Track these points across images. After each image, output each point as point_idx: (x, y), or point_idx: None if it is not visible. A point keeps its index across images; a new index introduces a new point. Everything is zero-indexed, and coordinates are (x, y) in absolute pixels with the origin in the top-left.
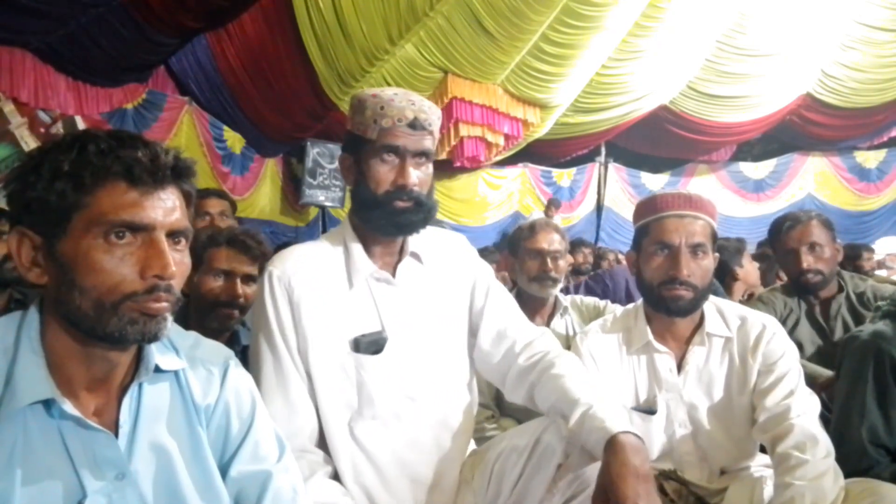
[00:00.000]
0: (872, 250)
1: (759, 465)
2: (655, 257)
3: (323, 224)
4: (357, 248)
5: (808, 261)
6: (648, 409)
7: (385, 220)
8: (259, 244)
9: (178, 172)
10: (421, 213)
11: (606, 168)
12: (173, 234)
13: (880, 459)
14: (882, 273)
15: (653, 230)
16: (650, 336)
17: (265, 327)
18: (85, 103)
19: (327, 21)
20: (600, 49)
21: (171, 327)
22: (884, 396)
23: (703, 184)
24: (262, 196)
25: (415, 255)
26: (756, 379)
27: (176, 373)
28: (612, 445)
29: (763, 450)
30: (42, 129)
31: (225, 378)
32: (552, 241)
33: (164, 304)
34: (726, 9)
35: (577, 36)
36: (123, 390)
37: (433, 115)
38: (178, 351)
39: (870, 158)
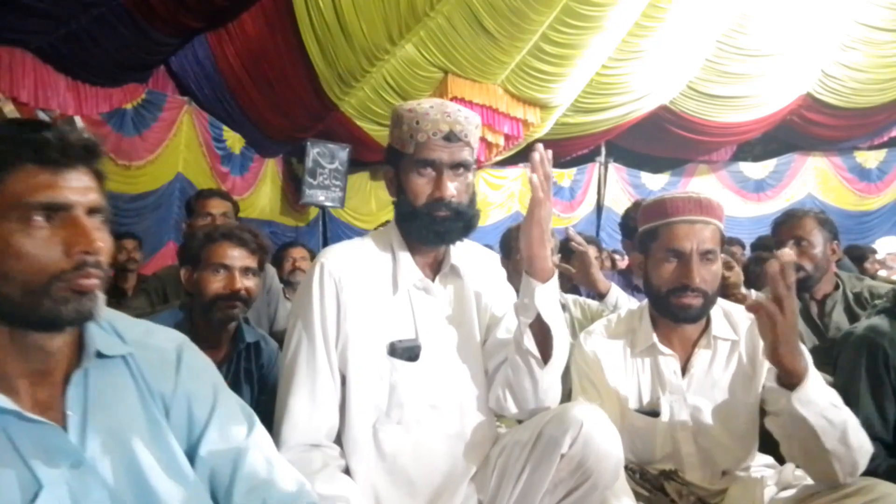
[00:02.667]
0: (875, 251)
1: (760, 465)
2: (666, 264)
3: (323, 224)
4: (405, 257)
5: None
6: (651, 412)
7: (425, 230)
8: (255, 237)
9: (87, 151)
10: (461, 221)
11: (606, 168)
12: (92, 212)
13: (877, 454)
14: (883, 273)
15: (662, 235)
16: (655, 339)
17: (307, 316)
18: (84, 103)
19: (327, 21)
20: (600, 49)
21: (121, 316)
22: (878, 390)
23: (704, 184)
24: (262, 196)
25: (454, 268)
26: (766, 378)
27: (125, 359)
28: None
29: (763, 450)
30: None
31: (180, 363)
32: None
33: (95, 281)
34: (727, 9)
35: (577, 36)
36: (69, 380)
37: (470, 125)
38: (123, 337)
39: (870, 158)
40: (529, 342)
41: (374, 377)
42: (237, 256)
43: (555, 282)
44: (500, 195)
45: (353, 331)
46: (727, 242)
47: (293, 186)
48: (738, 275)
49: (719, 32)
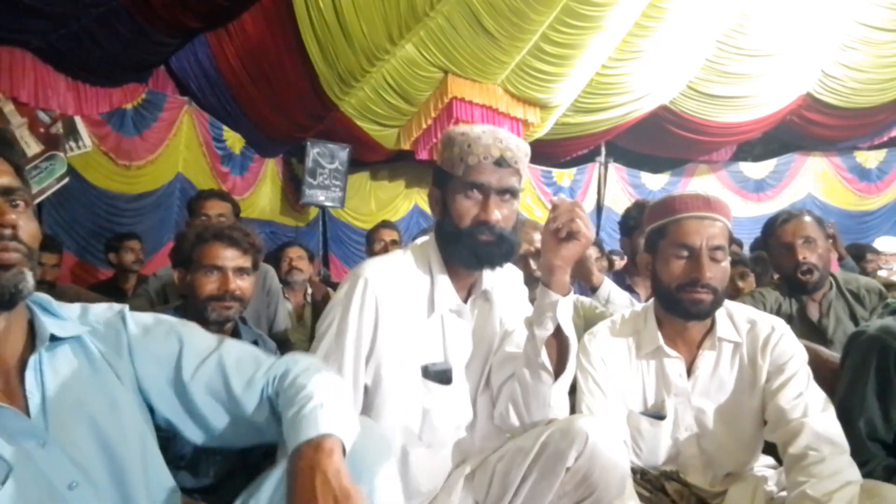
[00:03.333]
0: (877, 251)
1: (760, 465)
2: (676, 260)
3: (323, 224)
4: (444, 280)
5: (804, 254)
6: (657, 415)
7: (467, 253)
8: (247, 236)
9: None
10: (503, 247)
11: (606, 168)
12: (6, 194)
13: (876, 454)
14: (883, 274)
15: (671, 232)
16: (661, 340)
17: (342, 326)
18: (84, 103)
19: (327, 21)
20: (600, 49)
21: (55, 302)
22: (885, 392)
23: (704, 184)
24: (261, 196)
25: (486, 292)
26: (765, 380)
27: (79, 339)
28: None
29: (766, 451)
30: (42, 130)
31: (125, 324)
32: (533, 241)
33: (14, 255)
34: (727, 9)
35: (577, 36)
36: (25, 365)
37: (520, 152)
38: (70, 320)
39: (870, 158)
40: (545, 356)
41: (408, 399)
42: (229, 257)
43: (572, 296)
44: None
45: (386, 349)
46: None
47: (293, 186)
48: (750, 284)
49: (719, 32)
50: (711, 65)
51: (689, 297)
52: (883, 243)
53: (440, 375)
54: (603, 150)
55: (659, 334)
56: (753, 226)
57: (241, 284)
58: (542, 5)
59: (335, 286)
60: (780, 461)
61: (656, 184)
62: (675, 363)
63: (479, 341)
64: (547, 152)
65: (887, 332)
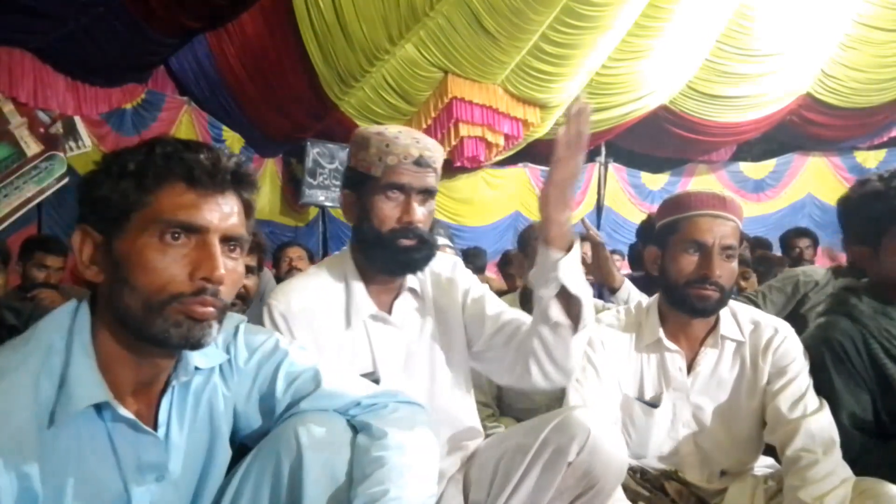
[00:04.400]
0: None
1: (761, 465)
2: (686, 255)
3: (323, 224)
4: (359, 288)
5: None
6: (652, 403)
7: (389, 259)
8: (253, 235)
9: (238, 178)
10: (424, 250)
11: (606, 168)
12: (228, 240)
13: (865, 442)
14: None
15: (684, 228)
16: (660, 333)
17: None
18: (84, 103)
19: (327, 21)
20: (601, 49)
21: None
22: (849, 382)
23: (703, 184)
24: (261, 196)
25: (412, 290)
26: (767, 381)
27: (219, 366)
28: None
29: (767, 452)
30: (41, 129)
31: (236, 345)
32: None
33: (211, 310)
34: (727, 9)
35: (577, 36)
36: (162, 391)
37: (437, 152)
38: (217, 343)
39: (870, 158)
40: (558, 314)
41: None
42: None
43: (577, 251)
44: (499, 195)
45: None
46: None
47: (293, 186)
48: (753, 284)
49: (719, 32)
50: (711, 65)
51: (696, 293)
52: None
53: None
54: (603, 150)
55: (659, 327)
56: (753, 226)
57: (246, 283)
58: (542, 5)
59: None
60: (780, 462)
61: (656, 184)
62: (675, 357)
63: (427, 339)
64: (547, 152)
65: (827, 328)
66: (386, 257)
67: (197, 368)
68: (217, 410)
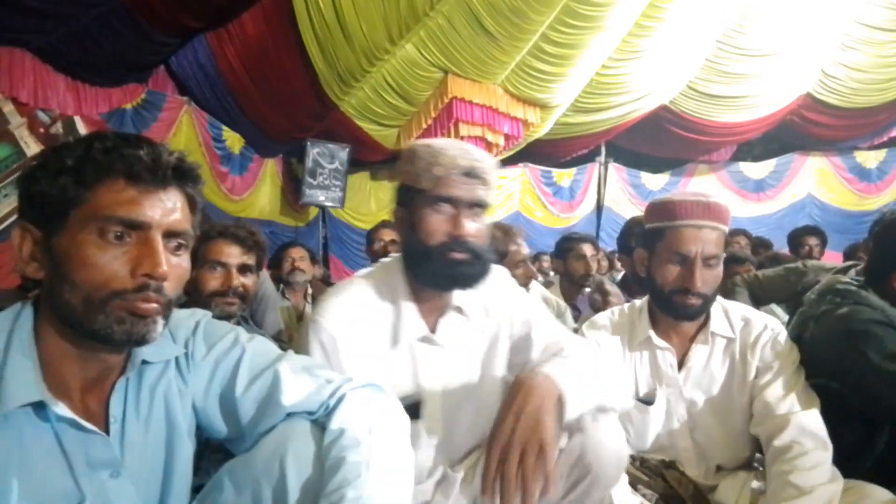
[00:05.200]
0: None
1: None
2: (670, 265)
3: (323, 223)
4: (409, 308)
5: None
6: (645, 400)
7: (440, 273)
8: (251, 234)
9: (180, 174)
10: (477, 265)
11: (606, 168)
12: (171, 236)
13: None
14: None
15: (668, 237)
16: (650, 332)
17: None
18: (84, 103)
19: (327, 21)
20: (600, 49)
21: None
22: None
23: (704, 184)
24: (261, 196)
25: (457, 309)
26: (754, 375)
27: (170, 360)
28: (516, 381)
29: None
30: (41, 129)
31: (195, 340)
32: (522, 246)
33: (154, 306)
34: (726, 8)
35: (577, 36)
36: (112, 386)
37: (487, 163)
38: (175, 336)
39: (870, 158)
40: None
41: None
42: (233, 254)
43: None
44: (499, 195)
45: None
46: (733, 234)
47: (293, 186)
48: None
49: (719, 32)
50: (711, 65)
51: (679, 301)
52: None
53: (408, 411)
54: (603, 150)
55: (650, 326)
56: (753, 226)
57: (245, 281)
58: (542, 5)
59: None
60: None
61: (656, 184)
62: (666, 355)
63: (470, 360)
64: (547, 152)
65: (853, 312)
66: (436, 271)
67: (145, 362)
68: (173, 405)
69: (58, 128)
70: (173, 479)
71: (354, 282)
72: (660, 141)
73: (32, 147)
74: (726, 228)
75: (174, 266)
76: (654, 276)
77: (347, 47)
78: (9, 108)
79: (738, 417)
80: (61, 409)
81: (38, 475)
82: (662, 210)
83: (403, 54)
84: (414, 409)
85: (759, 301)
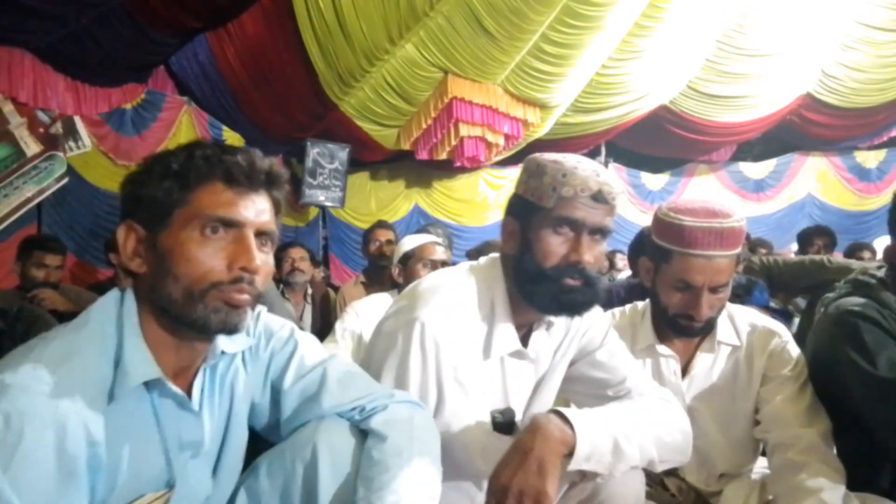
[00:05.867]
0: (874, 250)
1: (760, 467)
2: (675, 291)
3: (323, 224)
4: (505, 321)
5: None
6: None
7: (550, 298)
8: None
9: (271, 179)
10: (590, 293)
11: (606, 168)
12: (260, 235)
13: None
14: None
15: (676, 262)
16: (653, 339)
17: (403, 380)
18: (84, 103)
19: (327, 21)
20: (600, 49)
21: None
22: (887, 340)
23: (703, 184)
24: None
25: (547, 324)
26: (760, 383)
27: (243, 351)
28: (531, 420)
29: (764, 454)
30: (41, 129)
31: (254, 332)
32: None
33: (246, 297)
34: (726, 8)
35: (577, 36)
36: (195, 374)
37: (617, 188)
38: (248, 332)
39: (870, 158)
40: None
41: (477, 450)
42: None
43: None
44: (500, 195)
45: (450, 396)
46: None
47: (293, 186)
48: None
49: (719, 32)
50: (711, 65)
51: (683, 324)
52: (882, 244)
53: (507, 426)
54: (603, 150)
55: (653, 332)
56: (753, 226)
57: None
58: (542, 5)
59: (335, 287)
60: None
61: (656, 184)
62: (669, 362)
63: (546, 378)
64: (547, 152)
65: (851, 304)
66: (547, 295)
67: (223, 353)
68: (237, 393)
69: (57, 128)
70: (225, 462)
71: (455, 280)
72: (660, 141)
73: (32, 147)
74: (739, 250)
75: (264, 262)
76: (658, 294)
77: (347, 47)
78: (9, 108)
79: (740, 424)
80: (173, 386)
81: (140, 450)
82: (672, 232)
83: (403, 54)
84: (511, 424)
85: (771, 285)
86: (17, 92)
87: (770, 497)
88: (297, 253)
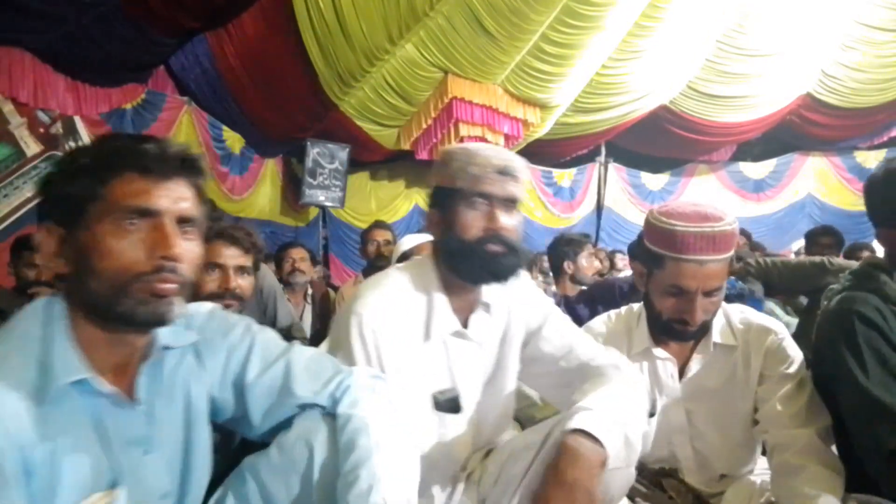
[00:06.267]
0: (874, 249)
1: (762, 468)
2: (668, 296)
3: (323, 224)
4: (442, 303)
5: None
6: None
7: (478, 267)
8: (248, 235)
9: (187, 165)
10: (513, 258)
11: (606, 168)
12: (182, 222)
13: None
14: None
15: (669, 268)
16: (649, 342)
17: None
18: (84, 103)
19: (327, 21)
20: (600, 49)
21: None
22: (878, 357)
23: (703, 184)
24: (261, 196)
25: (486, 306)
26: (758, 383)
27: (190, 346)
28: (563, 447)
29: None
30: (41, 130)
31: (209, 327)
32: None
33: (171, 286)
34: (726, 8)
35: (577, 36)
36: (137, 370)
37: (519, 163)
38: (191, 324)
39: (870, 158)
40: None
41: (419, 428)
42: (231, 255)
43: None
44: None
45: (393, 379)
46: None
47: (293, 186)
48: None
49: (719, 32)
50: (711, 65)
51: (677, 329)
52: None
53: (450, 404)
54: (603, 150)
55: (649, 336)
56: (753, 226)
57: (242, 283)
58: (542, 5)
59: (335, 287)
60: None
61: (656, 184)
62: (666, 365)
63: (493, 356)
64: (547, 152)
65: (852, 301)
66: (474, 264)
67: (166, 347)
68: (192, 389)
69: (58, 128)
70: (193, 460)
71: (390, 275)
72: (660, 141)
73: (32, 147)
74: (732, 253)
75: (187, 249)
76: (651, 299)
77: (347, 47)
78: (9, 108)
79: (739, 425)
80: (105, 385)
81: (81, 451)
82: (664, 237)
83: (403, 54)
84: (454, 403)
85: (769, 288)
86: (17, 92)
87: (773, 499)
88: (297, 253)
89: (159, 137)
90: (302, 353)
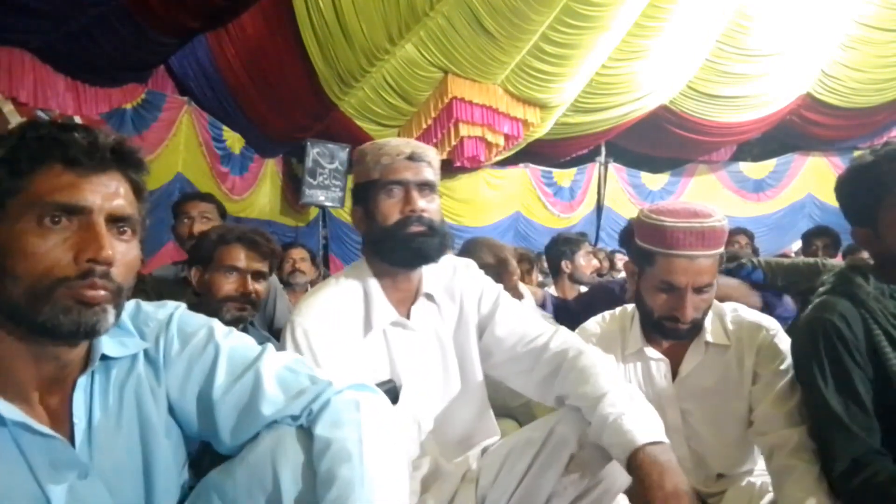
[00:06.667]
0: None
1: (761, 469)
2: (659, 293)
3: (323, 224)
4: (378, 295)
5: None
6: None
7: (402, 249)
8: (268, 241)
9: (120, 157)
10: (436, 237)
11: (606, 168)
12: (115, 221)
13: (868, 452)
14: None
15: (659, 264)
16: (642, 343)
17: None
18: (84, 103)
19: (327, 21)
20: (600, 49)
21: (142, 307)
22: (838, 373)
23: (703, 184)
24: (261, 196)
25: (428, 296)
26: (752, 380)
27: (135, 355)
28: (639, 465)
29: None
30: None
31: (167, 333)
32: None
33: (102, 293)
34: (727, 8)
35: (577, 36)
36: (75, 385)
37: (428, 149)
38: (143, 332)
39: None
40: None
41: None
42: (250, 260)
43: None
44: (500, 195)
45: (332, 375)
46: (733, 233)
47: (293, 186)
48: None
49: (719, 32)
50: (711, 65)
51: (669, 327)
52: None
53: (387, 396)
54: (603, 150)
55: (642, 336)
56: (753, 226)
57: (258, 288)
58: (542, 5)
59: None
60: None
61: (656, 184)
62: (660, 365)
63: (444, 346)
64: (547, 152)
65: (823, 308)
66: (398, 248)
67: (107, 358)
68: (146, 403)
69: None
70: (155, 478)
71: (328, 282)
72: (660, 141)
73: None
74: (722, 249)
75: (120, 251)
76: (643, 297)
77: (347, 47)
78: (9, 108)
79: (735, 424)
80: (13, 413)
81: (7, 485)
82: (653, 233)
83: (403, 54)
84: (392, 393)
85: (766, 290)
86: (17, 92)
87: (775, 501)
88: (298, 254)
89: (89, 126)
90: (274, 362)
